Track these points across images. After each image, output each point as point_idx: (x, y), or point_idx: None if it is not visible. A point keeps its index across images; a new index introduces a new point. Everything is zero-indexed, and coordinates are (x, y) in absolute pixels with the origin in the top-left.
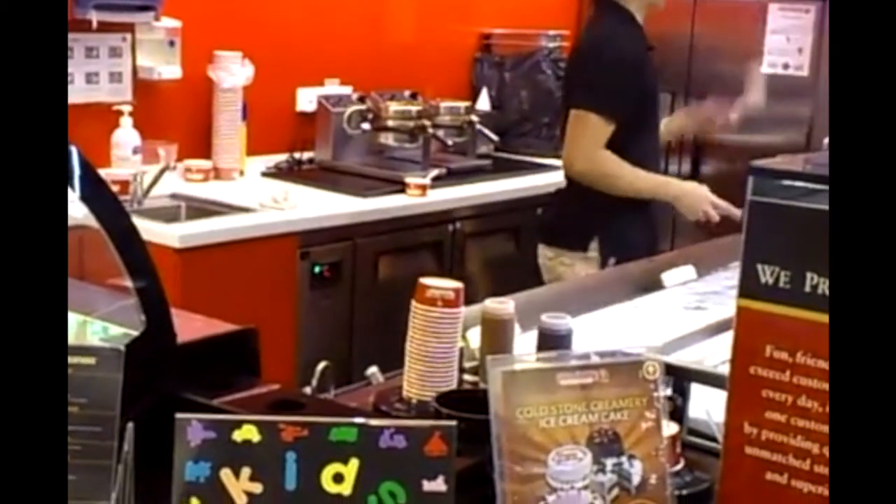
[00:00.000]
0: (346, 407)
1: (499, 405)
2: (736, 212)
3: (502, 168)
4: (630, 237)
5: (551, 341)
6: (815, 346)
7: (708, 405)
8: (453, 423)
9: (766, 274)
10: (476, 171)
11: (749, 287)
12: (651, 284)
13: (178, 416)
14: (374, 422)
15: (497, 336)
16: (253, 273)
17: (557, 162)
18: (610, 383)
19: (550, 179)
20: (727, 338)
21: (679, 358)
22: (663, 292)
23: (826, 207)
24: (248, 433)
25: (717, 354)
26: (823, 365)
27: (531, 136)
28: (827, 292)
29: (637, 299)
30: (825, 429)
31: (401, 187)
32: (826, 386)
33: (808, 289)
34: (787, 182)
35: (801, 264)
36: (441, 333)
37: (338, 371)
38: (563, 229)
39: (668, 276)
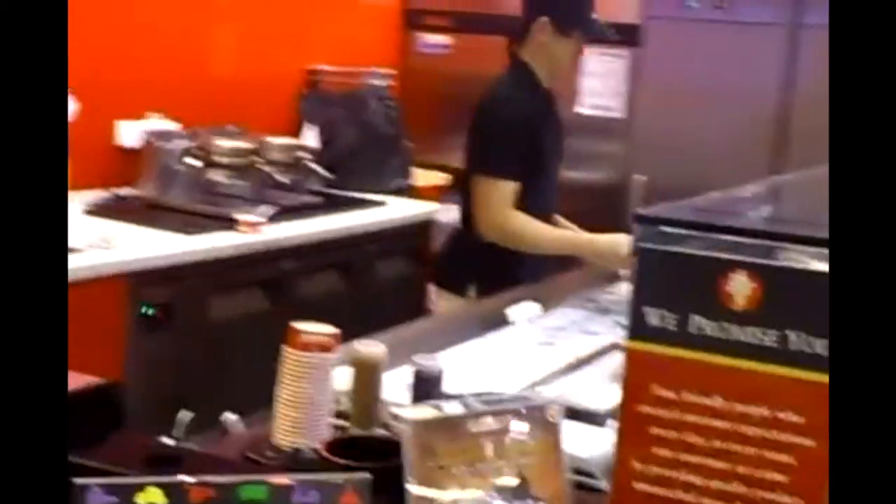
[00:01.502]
0: (227, 460)
1: (411, 453)
2: None
3: (334, 205)
4: (506, 283)
5: (425, 383)
6: (700, 384)
7: (580, 442)
8: (366, 475)
9: (652, 316)
10: (308, 207)
11: (637, 329)
12: (499, 320)
13: (77, 480)
14: (284, 479)
15: (369, 379)
16: (78, 317)
17: (387, 198)
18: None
19: (383, 216)
20: (588, 374)
21: (547, 395)
22: (512, 328)
23: (709, 253)
24: (152, 496)
25: (580, 392)
26: (708, 402)
27: (360, 173)
28: (710, 332)
29: (489, 336)
30: (711, 463)
31: (231, 225)
32: (711, 422)
33: (693, 330)
34: (667, 228)
35: (686, 307)
36: (316, 379)
37: (172, 415)
38: (446, 271)
39: (513, 312)
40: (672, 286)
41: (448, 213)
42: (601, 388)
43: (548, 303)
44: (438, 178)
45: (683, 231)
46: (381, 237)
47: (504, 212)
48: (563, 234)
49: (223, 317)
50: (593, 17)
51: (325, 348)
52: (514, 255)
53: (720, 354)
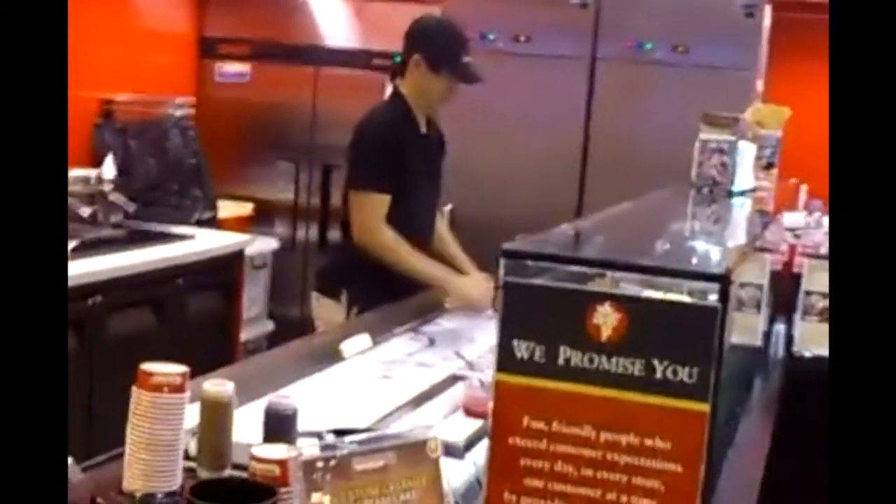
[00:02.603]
0: None
1: (300, 494)
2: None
3: (139, 238)
4: (373, 291)
5: (279, 421)
6: (569, 414)
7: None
8: None
9: (521, 349)
10: (111, 241)
11: (506, 362)
12: (333, 354)
13: None
14: None
15: (218, 419)
16: None
17: (193, 230)
18: (399, 464)
19: (190, 249)
20: (433, 407)
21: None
22: (348, 363)
23: (576, 286)
24: None
25: (431, 425)
26: (578, 431)
27: (161, 205)
28: (578, 363)
29: (327, 371)
30: (581, 491)
31: None
32: (581, 451)
33: (561, 362)
34: (531, 262)
35: (554, 339)
36: (169, 420)
37: None
38: (323, 278)
39: (346, 346)
40: (540, 319)
41: (257, 245)
42: (451, 420)
43: (376, 332)
44: (243, 209)
45: (547, 264)
46: (190, 271)
47: (375, 222)
48: (424, 267)
49: None
50: (463, 60)
51: (176, 389)
52: (381, 265)
53: (589, 384)
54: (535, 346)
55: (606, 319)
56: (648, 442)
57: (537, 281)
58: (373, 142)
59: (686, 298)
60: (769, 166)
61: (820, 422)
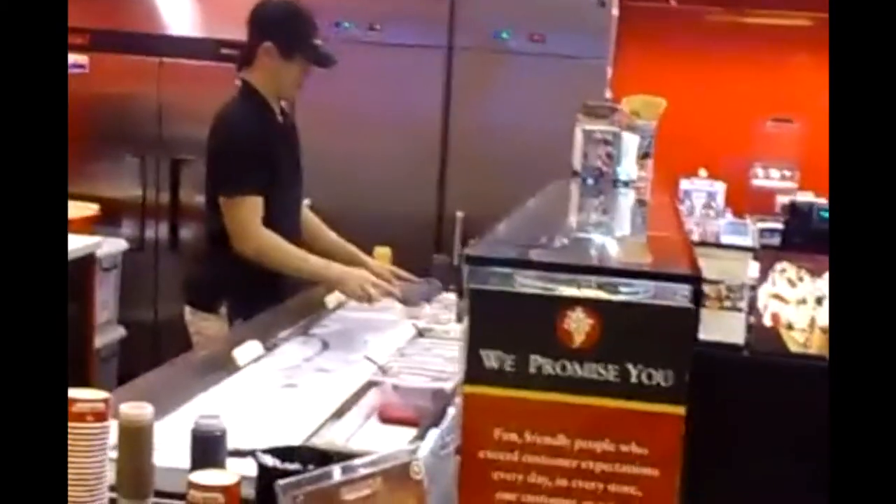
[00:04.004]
0: None
1: None
2: (396, 291)
3: None
4: (255, 301)
5: (207, 443)
6: (542, 424)
7: None
8: None
9: (490, 359)
10: None
11: (474, 372)
12: (227, 364)
13: None
14: None
15: (138, 444)
16: None
17: None
18: (386, 490)
19: None
20: (355, 416)
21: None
22: (245, 372)
23: (546, 291)
24: None
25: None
26: (551, 441)
27: None
28: (550, 371)
29: (225, 382)
30: (556, 502)
31: None
32: (555, 461)
33: (532, 370)
34: (496, 269)
35: (524, 347)
36: (93, 450)
37: None
38: (197, 291)
39: (239, 354)
40: (509, 327)
41: (106, 247)
42: (367, 429)
43: (266, 335)
44: (89, 209)
45: (509, 269)
46: None
47: (254, 226)
48: (312, 265)
49: None
50: (315, 43)
51: (99, 416)
52: (263, 271)
53: (562, 392)
54: (505, 356)
55: (579, 325)
56: (624, 448)
57: (506, 288)
58: (236, 142)
59: (655, 301)
60: (645, 156)
61: (709, 406)
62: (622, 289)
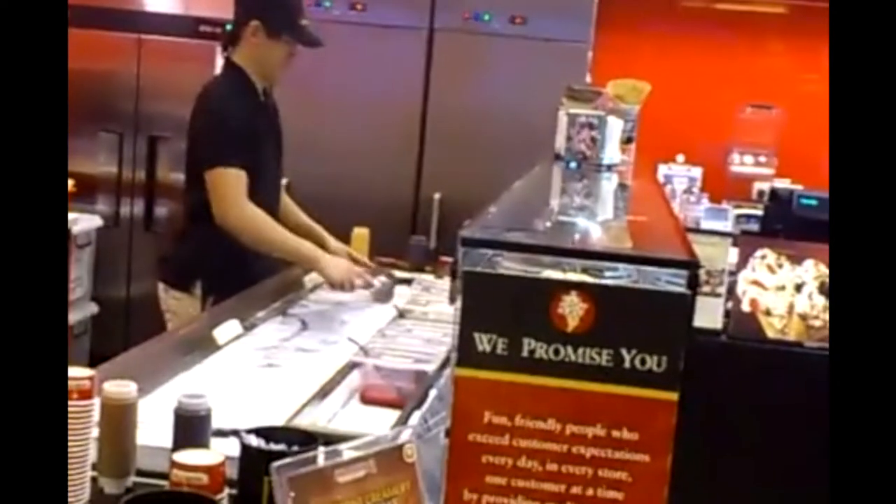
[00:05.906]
0: None
1: None
2: (373, 280)
3: None
4: (230, 280)
5: (192, 423)
6: (533, 408)
7: None
8: None
9: (482, 342)
10: None
11: (466, 355)
12: (207, 344)
13: None
14: None
15: (120, 423)
16: None
17: None
18: (379, 473)
19: None
20: (339, 397)
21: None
22: (225, 351)
23: (540, 275)
24: None
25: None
26: (542, 425)
27: None
28: (543, 355)
29: (207, 361)
30: (545, 486)
31: None
32: (545, 445)
33: (525, 354)
34: (487, 251)
35: (517, 330)
36: (78, 429)
37: None
38: (171, 269)
39: (219, 333)
40: (502, 310)
41: (81, 223)
42: (349, 410)
43: (245, 314)
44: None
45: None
46: None
47: (241, 198)
48: (294, 245)
49: None
50: (302, 23)
51: (85, 394)
52: (240, 251)
53: (553, 377)
54: (498, 339)
55: (573, 309)
56: (616, 433)
57: (500, 271)
58: (222, 117)
59: (650, 286)
60: (629, 140)
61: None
62: (606, 273)
